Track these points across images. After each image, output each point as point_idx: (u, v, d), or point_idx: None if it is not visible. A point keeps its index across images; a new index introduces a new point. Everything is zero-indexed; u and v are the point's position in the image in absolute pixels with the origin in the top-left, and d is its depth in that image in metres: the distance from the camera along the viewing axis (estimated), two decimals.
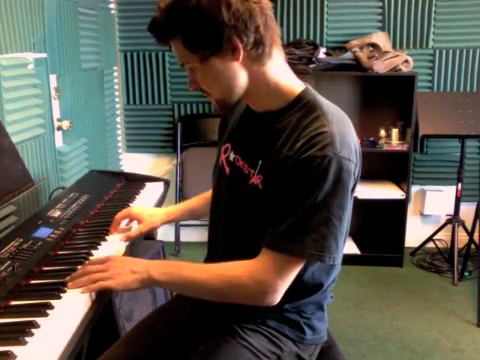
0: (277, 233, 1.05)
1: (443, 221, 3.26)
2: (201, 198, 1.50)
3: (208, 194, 1.43)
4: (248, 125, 1.20)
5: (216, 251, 1.27)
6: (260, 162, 1.12)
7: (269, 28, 1.05)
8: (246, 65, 1.07)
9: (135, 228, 1.44)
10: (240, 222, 1.17)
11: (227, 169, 1.23)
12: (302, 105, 1.10)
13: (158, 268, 1.13)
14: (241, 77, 1.08)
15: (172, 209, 1.51)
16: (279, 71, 1.11)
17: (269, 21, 1.05)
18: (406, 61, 2.98)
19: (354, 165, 1.04)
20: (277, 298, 1.08)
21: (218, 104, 1.14)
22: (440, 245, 3.33)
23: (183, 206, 1.53)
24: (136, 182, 1.98)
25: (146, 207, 1.54)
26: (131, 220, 1.49)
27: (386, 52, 2.98)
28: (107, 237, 1.42)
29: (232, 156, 1.22)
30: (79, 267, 1.21)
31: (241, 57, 1.04)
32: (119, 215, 1.46)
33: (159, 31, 1.08)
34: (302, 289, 1.17)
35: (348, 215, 1.08)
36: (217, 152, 1.32)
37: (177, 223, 3.40)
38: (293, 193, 1.04)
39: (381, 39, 3.09)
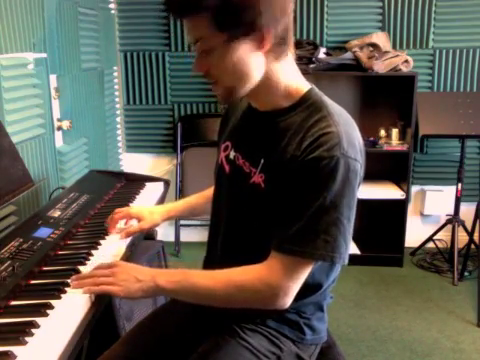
0: (286, 236, 1.04)
1: (443, 221, 3.26)
2: (201, 196, 1.50)
3: (208, 192, 1.43)
4: (250, 123, 1.19)
5: (215, 250, 1.27)
6: (262, 161, 1.12)
7: (291, 28, 1.07)
8: (266, 58, 1.06)
9: (136, 225, 1.44)
10: (240, 221, 1.17)
11: (227, 167, 1.23)
12: (308, 105, 1.09)
13: (165, 276, 1.12)
14: (259, 69, 1.06)
15: (172, 206, 1.51)
16: (290, 71, 1.11)
17: (292, 22, 1.06)
18: (406, 61, 2.98)
19: (360, 165, 1.04)
20: (288, 301, 1.08)
21: (224, 93, 1.10)
22: (440, 245, 3.33)
23: (183, 203, 1.53)
24: (136, 182, 1.98)
25: (145, 206, 1.54)
26: (130, 219, 1.49)
27: (386, 52, 2.98)
28: (107, 237, 1.42)
29: (232, 154, 1.21)
30: (79, 267, 1.22)
31: (266, 49, 1.04)
32: (118, 215, 1.46)
33: (187, 1, 1.00)
34: (302, 289, 1.16)
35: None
36: (217, 151, 1.32)
37: (177, 223, 3.40)
38: (301, 194, 1.03)
39: (381, 39, 3.09)
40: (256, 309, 1.17)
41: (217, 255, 1.24)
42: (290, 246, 1.04)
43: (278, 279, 1.05)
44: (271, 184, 1.09)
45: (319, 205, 1.01)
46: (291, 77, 1.11)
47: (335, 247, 1.03)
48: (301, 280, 1.07)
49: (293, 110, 1.10)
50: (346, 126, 1.05)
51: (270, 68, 1.07)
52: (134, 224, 1.47)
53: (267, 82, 1.08)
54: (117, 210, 1.48)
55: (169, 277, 1.12)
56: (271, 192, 1.09)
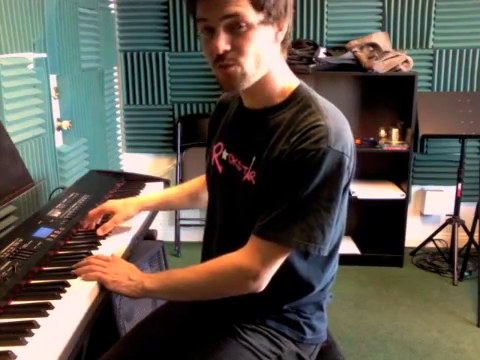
0: (265, 221, 1.06)
1: (443, 221, 3.26)
2: (180, 189, 1.52)
3: (187, 185, 1.48)
4: (242, 123, 1.20)
5: (210, 250, 1.27)
6: (254, 158, 1.12)
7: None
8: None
9: (110, 220, 1.44)
10: (234, 219, 1.18)
11: (220, 168, 1.23)
12: (297, 101, 1.10)
13: (151, 278, 1.16)
14: (271, 59, 1.07)
15: (148, 198, 1.52)
16: (283, 68, 1.13)
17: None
18: (406, 61, 2.98)
19: (348, 159, 1.04)
20: (261, 285, 1.09)
21: (233, 78, 1.04)
22: (440, 245, 3.33)
23: (160, 196, 1.54)
24: (136, 182, 1.98)
25: (120, 199, 1.53)
26: (104, 213, 1.48)
27: (386, 52, 2.98)
28: (107, 237, 1.42)
29: (225, 154, 1.22)
30: None
31: (278, 40, 1.06)
32: (93, 211, 1.47)
33: None
34: (299, 287, 1.17)
35: (339, 209, 1.08)
36: (207, 152, 1.33)
37: (177, 223, 3.40)
38: (285, 183, 1.04)
39: (381, 39, 3.09)
40: (256, 308, 1.17)
41: (213, 254, 1.24)
42: (267, 231, 1.05)
43: (250, 263, 1.07)
44: (261, 180, 1.10)
45: (300, 194, 1.02)
46: (283, 73, 1.12)
47: (311, 236, 1.04)
48: (274, 266, 1.08)
49: (284, 107, 1.11)
50: (335, 120, 1.05)
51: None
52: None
53: (264, 77, 1.09)
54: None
55: (154, 277, 1.17)
56: (260, 188, 1.10)
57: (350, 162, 1.06)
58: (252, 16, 0.99)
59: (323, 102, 1.10)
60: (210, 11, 0.99)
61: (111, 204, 1.48)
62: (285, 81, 1.12)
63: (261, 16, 1.00)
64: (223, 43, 1.00)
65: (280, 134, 1.08)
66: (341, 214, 1.12)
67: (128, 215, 1.46)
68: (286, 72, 1.13)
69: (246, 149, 1.15)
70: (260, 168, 1.10)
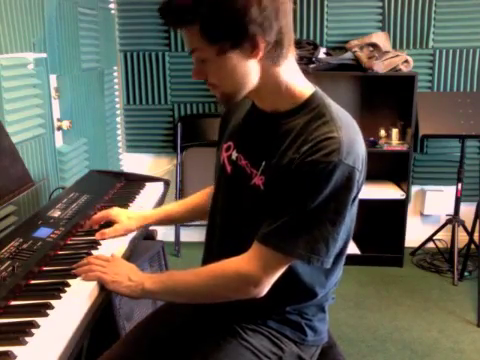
0: (270, 229, 1.05)
1: (443, 221, 3.26)
2: (181, 204, 1.52)
3: (189, 200, 1.49)
4: (253, 124, 1.18)
5: (211, 251, 1.27)
6: (263, 163, 1.11)
7: (289, 30, 1.06)
8: (262, 64, 1.05)
9: (111, 228, 1.44)
10: (235, 221, 1.17)
11: (229, 168, 1.22)
12: (311, 109, 1.08)
13: (152, 279, 1.16)
14: (254, 75, 1.06)
15: (149, 213, 1.52)
16: (291, 73, 1.10)
17: (290, 22, 1.06)
18: (406, 61, 2.98)
19: (359, 172, 1.03)
20: (261, 291, 1.09)
21: (223, 98, 1.11)
22: (440, 245, 3.33)
23: (163, 212, 1.54)
24: (136, 182, 1.98)
25: (125, 210, 1.54)
26: (108, 220, 1.48)
27: (386, 52, 2.99)
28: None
29: (235, 155, 1.21)
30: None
31: (259, 56, 1.03)
32: (97, 216, 1.47)
33: (176, 14, 1.02)
34: (301, 292, 1.17)
35: (346, 221, 1.08)
36: (217, 151, 1.32)
37: (177, 223, 3.40)
38: (293, 193, 1.03)
39: (381, 39, 3.09)
40: (257, 309, 1.17)
41: (214, 256, 1.24)
42: (271, 239, 1.05)
43: (252, 269, 1.07)
44: (269, 186, 1.09)
45: (307, 205, 1.01)
46: (293, 79, 1.10)
47: (314, 249, 1.03)
48: (276, 274, 1.08)
49: (296, 113, 1.09)
50: (348, 132, 1.04)
51: (268, 72, 1.07)
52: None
53: (267, 85, 1.08)
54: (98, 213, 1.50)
55: (155, 279, 1.17)
56: (268, 194, 1.09)
57: (360, 175, 1.05)
58: (209, 50, 1.03)
59: (337, 110, 1.08)
60: (185, 44, 1.09)
61: (116, 214, 1.47)
62: (295, 86, 1.10)
63: (216, 48, 1.02)
64: (195, 73, 1.09)
65: (291, 141, 1.06)
66: (348, 222, 1.12)
67: (129, 229, 1.46)
68: (295, 76, 1.11)
69: (256, 152, 1.14)
70: (269, 174, 1.09)
